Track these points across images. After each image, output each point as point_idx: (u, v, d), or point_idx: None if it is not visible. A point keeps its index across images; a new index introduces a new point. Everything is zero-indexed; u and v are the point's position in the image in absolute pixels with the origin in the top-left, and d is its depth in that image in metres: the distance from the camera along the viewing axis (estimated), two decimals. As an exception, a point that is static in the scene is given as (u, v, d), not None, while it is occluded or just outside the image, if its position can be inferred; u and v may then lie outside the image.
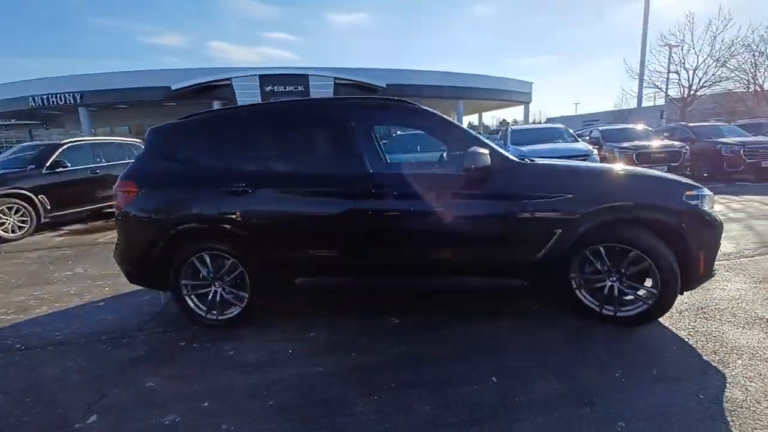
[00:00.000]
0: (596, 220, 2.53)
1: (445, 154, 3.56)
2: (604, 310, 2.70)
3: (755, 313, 2.80)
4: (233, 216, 2.78)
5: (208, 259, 2.88)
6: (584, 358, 2.33)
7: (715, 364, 2.20)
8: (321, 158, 2.83)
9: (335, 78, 29.28)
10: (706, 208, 2.54)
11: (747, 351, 2.32)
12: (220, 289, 2.92)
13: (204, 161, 2.92)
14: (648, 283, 2.60)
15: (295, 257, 2.82)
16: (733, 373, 2.11)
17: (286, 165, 2.82)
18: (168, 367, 2.46)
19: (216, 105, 29.61)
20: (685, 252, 2.50)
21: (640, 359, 2.30)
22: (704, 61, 18.47)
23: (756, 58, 17.71)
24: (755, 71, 17.74)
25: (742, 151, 9.17)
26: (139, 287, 3.80)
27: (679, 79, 18.98)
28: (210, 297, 2.93)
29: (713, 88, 18.79)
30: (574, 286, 2.75)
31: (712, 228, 2.54)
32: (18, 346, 2.85)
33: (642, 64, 17.01)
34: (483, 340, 2.60)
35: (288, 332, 2.85)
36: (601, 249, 2.62)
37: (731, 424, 1.75)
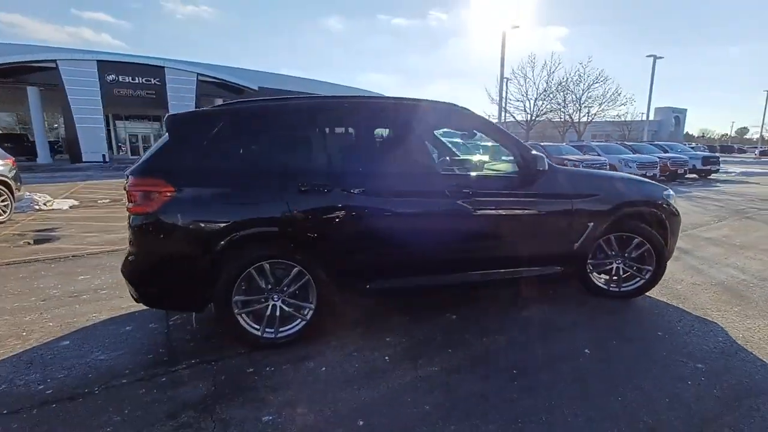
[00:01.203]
0: (615, 214, 3.15)
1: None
2: (611, 287, 3.35)
3: (687, 280, 3.84)
4: (306, 218, 2.51)
5: (268, 269, 2.51)
6: (627, 326, 2.90)
7: (705, 317, 3.01)
8: (397, 157, 2.77)
9: (199, 74, 26.57)
10: (673, 204, 3.41)
11: (713, 306, 3.22)
12: (279, 303, 2.57)
13: (265, 156, 2.54)
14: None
15: (371, 260, 2.70)
16: (720, 321, 2.94)
17: (362, 163, 2.67)
18: (268, 396, 2.09)
19: (30, 91, 23.59)
20: (665, 237, 3.32)
21: (664, 320, 2.99)
22: (540, 94, 23.43)
23: (566, 96, 23.29)
24: (566, 106, 23.32)
25: (581, 165, 11.93)
26: (99, 316, 3.06)
27: (524, 107, 23.70)
28: (269, 312, 2.56)
29: (545, 116, 24.04)
30: (589, 270, 3.34)
31: (677, 218, 3.44)
32: (-8, 412, 1.98)
33: (500, 93, 20.65)
34: (544, 324, 2.95)
35: (360, 341, 2.69)
36: (612, 238, 3.26)
37: (753, 353, 2.48)
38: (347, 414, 1.96)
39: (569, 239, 3.08)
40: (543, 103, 22.21)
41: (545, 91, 23.05)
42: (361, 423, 1.89)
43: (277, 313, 2.57)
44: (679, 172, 14.88)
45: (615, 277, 3.35)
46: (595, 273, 3.37)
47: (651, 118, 30.60)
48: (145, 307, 3.21)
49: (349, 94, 2.71)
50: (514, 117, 24.73)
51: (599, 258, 3.34)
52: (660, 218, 3.30)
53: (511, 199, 2.92)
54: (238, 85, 27.82)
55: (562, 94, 23.04)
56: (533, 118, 24.23)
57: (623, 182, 3.36)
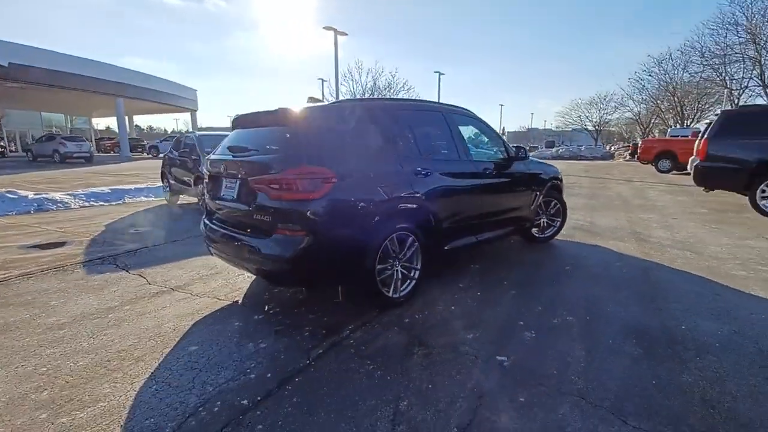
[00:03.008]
0: (547, 185, 4.88)
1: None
2: (539, 235, 5.12)
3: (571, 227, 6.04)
4: (419, 195, 3.18)
5: (395, 240, 3.07)
6: (568, 255, 4.65)
7: (594, 244, 5.07)
8: (458, 149, 3.67)
9: None
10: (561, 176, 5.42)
11: (589, 238, 5.36)
12: (399, 267, 3.15)
13: (394, 145, 3.09)
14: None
15: (449, 226, 3.53)
16: (601, 244, 5.03)
17: (443, 152, 3.48)
18: (450, 326, 2.78)
19: None
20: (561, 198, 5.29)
21: (580, 248, 4.87)
22: (372, 94, 26.11)
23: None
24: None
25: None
26: (180, 323, 2.97)
27: None
28: (394, 277, 3.10)
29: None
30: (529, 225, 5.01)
31: (562, 185, 5.46)
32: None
33: (337, 94, 22.13)
34: (530, 262, 4.41)
35: (448, 290, 3.50)
36: (542, 201, 5.01)
37: (631, 255, 4.54)
38: (506, 319, 2.88)
39: (530, 203, 4.64)
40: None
41: (371, 95, 26.01)
42: (521, 323, 2.85)
43: (399, 277, 3.15)
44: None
45: (540, 228, 5.13)
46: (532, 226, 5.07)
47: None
48: (219, 306, 3.18)
49: (431, 100, 3.48)
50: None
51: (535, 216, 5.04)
52: (560, 186, 5.24)
53: (509, 177, 4.25)
54: (-24, 58, 20.32)
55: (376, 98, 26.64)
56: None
57: (546, 165, 5.16)
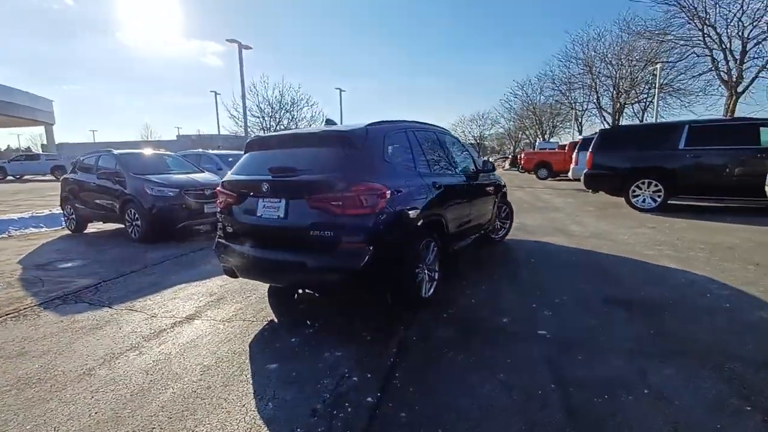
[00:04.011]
0: (501, 192, 5.74)
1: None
2: (495, 236, 5.97)
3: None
4: (438, 205, 3.63)
5: (423, 246, 3.45)
6: (524, 249, 5.53)
7: (538, 240, 6.08)
8: (447, 163, 4.20)
9: None
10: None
11: (531, 236, 6.38)
12: (426, 271, 3.54)
13: (416, 162, 3.48)
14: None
15: (453, 231, 4.03)
16: (544, 240, 6.06)
17: (441, 166, 3.97)
18: (480, 313, 3.25)
19: None
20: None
21: (532, 244, 5.80)
22: (275, 112, 25.33)
23: (282, 115, 26.66)
24: (288, 124, 26.63)
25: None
26: (231, 345, 3.02)
27: (261, 123, 25.88)
28: (424, 279, 3.48)
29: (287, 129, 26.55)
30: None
31: (506, 191, 6.43)
32: None
33: (244, 108, 20.99)
34: (500, 257, 5.15)
35: (455, 290, 3.99)
36: (496, 206, 5.86)
37: (574, 246, 5.61)
38: (520, 304, 3.47)
39: (493, 208, 5.42)
40: (271, 120, 24.54)
41: (279, 110, 25.45)
42: (534, 306, 3.46)
43: (426, 279, 3.53)
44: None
45: (494, 230, 5.98)
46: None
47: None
48: (258, 327, 3.25)
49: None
50: (253, 131, 25.86)
51: (491, 220, 5.87)
52: (505, 193, 6.18)
53: (482, 186, 4.95)
54: None
55: (279, 114, 26.23)
56: (276, 130, 26.33)
57: (497, 176, 6.03)
